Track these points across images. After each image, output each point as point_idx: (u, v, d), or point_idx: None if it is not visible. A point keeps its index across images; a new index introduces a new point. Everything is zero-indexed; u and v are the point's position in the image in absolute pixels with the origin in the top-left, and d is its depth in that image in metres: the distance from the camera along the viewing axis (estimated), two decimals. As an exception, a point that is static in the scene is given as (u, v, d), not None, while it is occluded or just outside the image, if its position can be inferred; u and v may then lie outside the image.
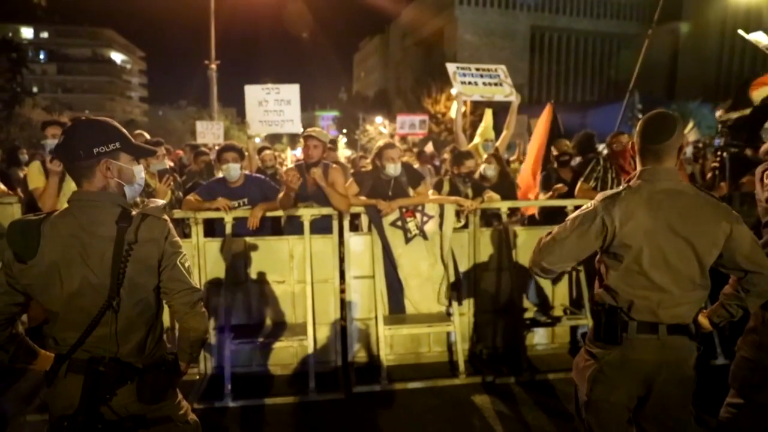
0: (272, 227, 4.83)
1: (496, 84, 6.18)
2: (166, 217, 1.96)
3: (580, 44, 64.26)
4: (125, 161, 1.94)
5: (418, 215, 4.65)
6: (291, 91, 6.11)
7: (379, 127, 44.79)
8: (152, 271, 1.91)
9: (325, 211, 4.52)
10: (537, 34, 59.43)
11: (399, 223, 4.63)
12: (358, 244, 4.72)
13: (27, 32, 77.96)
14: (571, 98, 58.79)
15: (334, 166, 4.67)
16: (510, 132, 6.32)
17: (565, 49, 64.03)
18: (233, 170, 4.47)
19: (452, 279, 4.67)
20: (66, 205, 1.89)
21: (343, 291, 4.69)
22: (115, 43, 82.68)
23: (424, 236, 4.67)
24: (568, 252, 2.21)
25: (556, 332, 5.09)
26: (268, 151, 7.04)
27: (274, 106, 6.05)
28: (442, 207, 4.68)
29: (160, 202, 2.02)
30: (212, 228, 4.62)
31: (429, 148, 12.41)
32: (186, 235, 4.58)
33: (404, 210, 4.62)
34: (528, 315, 4.96)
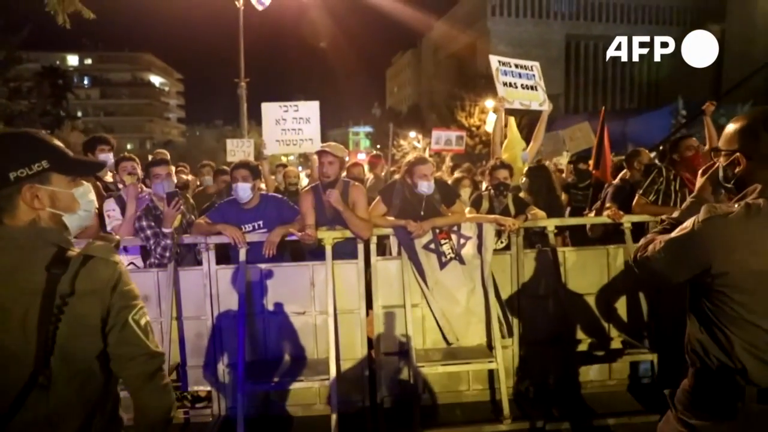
0: (292, 252, 4.39)
1: (532, 87, 5.74)
2: (117, 258, 1.49)
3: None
4: (59, 184, 1.48)
5: (453, 237, 4.14)
6: (310, 109, 5.76)
7: (412, 142, 44.44)
8: (94, 332, 1.43)
9: (349, 233, 4.05)
10: (572, 42, 58.25)
11: (432, 245, 4.12)
12: (387, 269, 4.22)
13: (72, 59, 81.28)
14: (609, 107, 57.30)
15: (355, 184, 4.21)
16: (538, 144, 5.76)
17: (601, 57, 62.40)
18: (242, 190, 4.05)
19: (493, 308, 4.12)
20: None
21: (370, 323, 4.20)
22: (153, 66, 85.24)
23: (461, 260, 4.14)
24: (660, 278, 1.80)
25: (613, 368, 4.46)
26: (291, 168, 6.66)
27: (292, 125, 5.71)
28: (480, 227, 4.15)
29: (114, 237, 1.55)
30: (227, 254, 4.21)
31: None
32: (198, 262, 4.19)
33: (438, 231, 4.11)
34: (581, 347, 4.36)
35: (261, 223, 4.12)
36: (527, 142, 5.93)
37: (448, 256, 4.12)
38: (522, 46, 54.03)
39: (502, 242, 4.43)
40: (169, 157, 5.02)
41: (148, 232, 3.94)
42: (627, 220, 4.32)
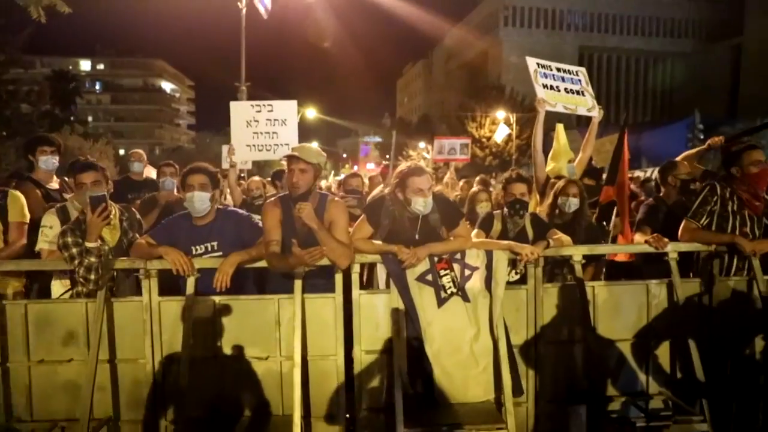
0: (255, 281, 3.59)
1: (578, 92, 5.08)
2: None
3: (631, 64, 61.79)
4: None
5: (456, 267, 3.31)
6: (287, 109, 5.04)
7: (422, 153, 43.71)
8: None
9: (325, 260, 3.24)
10: (585, 54, 57.37)
11: (429, 277, 3.29)
12: (373, 305, 3.40)
13: (85, 64, 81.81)
14: (623, 120, 56.14)
15: (335, 199, 3.39)
16: (587, 155, 5.00)
17: (615, 70, 61.58)
18: (199, 201, 3.25)
19: (504, 356, 3.27)
20: None
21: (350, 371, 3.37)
22: (165, 72, 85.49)
23: (465, 296, 3.31)
24: None
25: (654, 433, 3.58)
26: (255, 178, 5.86)
27: (265, 127, 4.97)
28: (490, 255, 3.32)
29: None
30: (175, 282, 3.40)
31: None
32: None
33: (436, 260, 3.28)
34: (613, 406, 3.50)
35: (216, 244, 3.32)
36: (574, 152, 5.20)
37: (449, 291, 3.29)
38: (534, 57, 53.20)
39: (517, 273, 3.60)
40: (97, 160, 4.31)
41: (74, 250, 3.15)
42: (673, 249, 3.47)
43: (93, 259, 3.13)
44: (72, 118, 42.88)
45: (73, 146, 20.45)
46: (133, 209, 3.72)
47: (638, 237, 4.02)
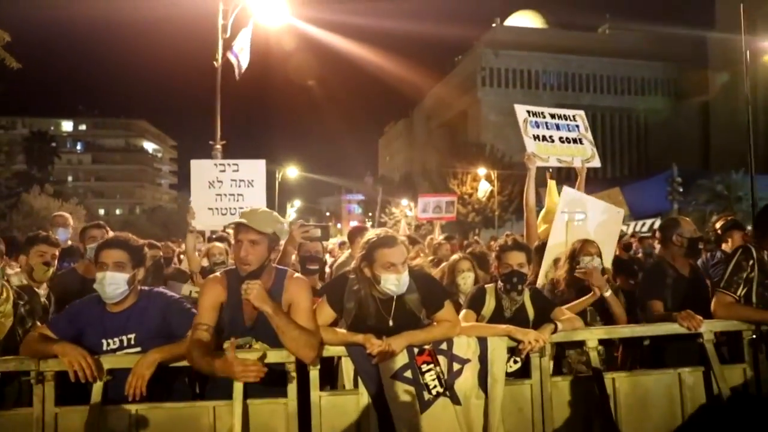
0: (193, 379, 2.84)
1: (575, 140, 4.65)
2: None
3: (606, 121, 63.40)
4: None
5: (442, 360, 2.61)
6: (254, 169, 4.62)
7: (404, 210, 43.48)
8: None
9: (276, 356, 2.53)
10: (561, 111, 58.86)
11: (408, 374, 2.58)
12: (338, 410, 2.66)
13: (67, 125, 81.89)
14: (601, 175, 57.08)
15: (296, 276, 2.69)
16: None
17: (591, 125, 63.01)
18: (111, 284, 2.53)
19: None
20: None
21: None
22: (147, 132, 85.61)
23: (454, 398, 2.59)
24: None
25: None
26: (219, 244, 5.14)
27: (230, 189, 4.52)
28: (483, 344, 2.64)
29: None
30: (81, 386, 2.63)
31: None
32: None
33: (417, 352, 2.58)
34: None
35: (133, 336, 2.59)
36: None
37: (434, 391, 2.57)
38: (513, 115, 53.58)
39: (516, 362, 2.90)
40: None
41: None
42: (708, 330, 2.83)
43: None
44: (51, 178, 42.36)
45: (39, 207, 19.58)
46: (39, 290, 2.99)
47: (650, 308, 3.37)
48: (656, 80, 63.32)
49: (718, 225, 5.40)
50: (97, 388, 2.47)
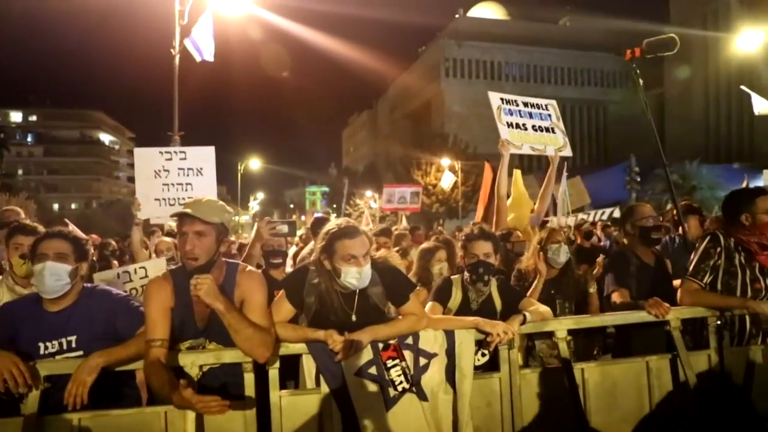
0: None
1: (547, 129, 4.68)
2: None
3: (567, 111, 64.64)
4: None
5: (408, 354, 2.50)
6: (203, 156, 4.32)
7: (369, 201, 43.32)
8: None
9: (231, 356, 2.38)
10: (523, 102, 59.78)
11: (373, 370, 2.46)
12: (298, 410, 2.52)
13: (16, 116, 78.38)
14: (563, 165, 58.25)
15: (248, 270, 2.53)
16: (545, 204, 4.45)
17: (553, 117, 64.25)
18: (51, 275, 2.32)
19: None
20: None
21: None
22: (104, 124, 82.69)
23: (421, 393, 2.49)
24: None
25: None
26: (167, 239, 4.91)
27: (177, 178, 4.21)
28: (451, 337, 2.54)
29: None
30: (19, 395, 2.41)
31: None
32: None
33: (381, 347, 2.47)
34: None
35: (74, 339, 2.38)
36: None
37: (400, 388, 2.47)
38: (476, 106, 54.73)
39: (484, 354, 2.82)
40: None
41: None
42: (675, 317, 2.81)
43: None
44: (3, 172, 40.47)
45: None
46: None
47: (616, 297, 3.33)
48: (615, 72, 64.77)
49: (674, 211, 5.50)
50: (33, 397, 2.26)
